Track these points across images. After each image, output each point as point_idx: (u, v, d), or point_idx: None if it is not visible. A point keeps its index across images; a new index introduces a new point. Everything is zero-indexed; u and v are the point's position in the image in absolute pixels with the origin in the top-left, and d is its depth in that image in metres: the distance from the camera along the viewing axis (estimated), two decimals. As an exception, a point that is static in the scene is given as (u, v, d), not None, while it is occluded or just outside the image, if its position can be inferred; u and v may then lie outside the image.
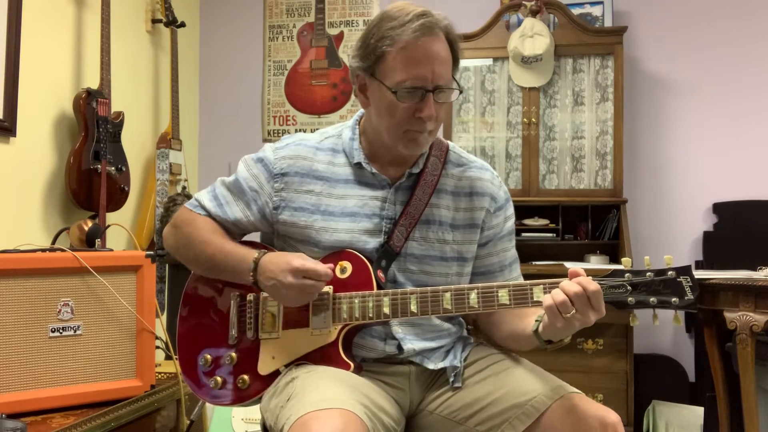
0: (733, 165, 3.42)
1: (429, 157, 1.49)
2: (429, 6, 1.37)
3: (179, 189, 3.26)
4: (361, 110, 1.52)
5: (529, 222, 3.32)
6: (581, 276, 1.24)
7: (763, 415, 2.47)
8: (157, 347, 2.02)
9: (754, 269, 2.46)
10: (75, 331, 1.77)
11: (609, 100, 3.27)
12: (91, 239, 2.11)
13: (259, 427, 1.50)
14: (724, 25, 3.46)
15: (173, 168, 3.25)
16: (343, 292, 1.40)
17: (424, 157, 1.48)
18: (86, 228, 2.12)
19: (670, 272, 1.25)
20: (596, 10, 3.47)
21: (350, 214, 1.44)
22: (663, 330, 3.46)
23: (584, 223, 3.34)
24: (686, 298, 1.23)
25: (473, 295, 1.33)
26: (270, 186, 1.47)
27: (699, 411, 2.90)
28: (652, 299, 1.25)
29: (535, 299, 1.29)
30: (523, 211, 3.30)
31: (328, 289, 1.41)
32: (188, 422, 2.29)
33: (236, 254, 1.44)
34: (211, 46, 3.99)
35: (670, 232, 3.47)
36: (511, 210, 1.56)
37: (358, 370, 1.39)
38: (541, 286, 1.29)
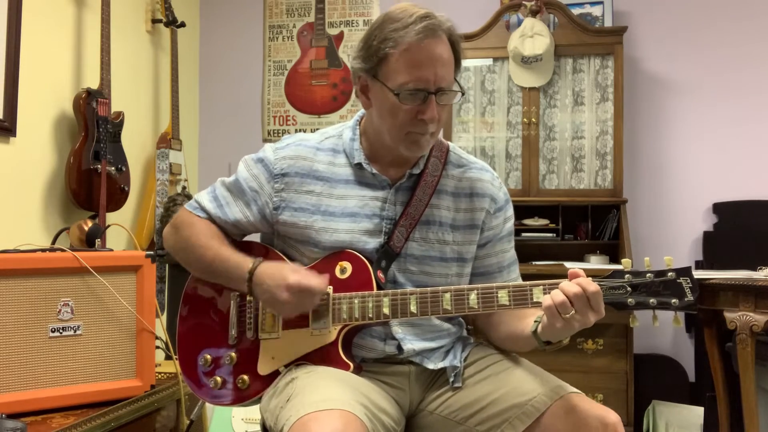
0: (733, 165, 3.42)
1: (429, 158, 1.49)
2: (429, 6, 1.37)
3: (179, 189, 3.26)
4: (362, 110, 1.52)
5: (529, 222, 3.32)
6: (581, 277, 1.24)
7: (763, 415, 2.47)
8: (157, 347, 2.02)
9: (754, 269, 2.46)
10: (75, 331, 1.77)
11: (609, 100, 3.27)
12: (91, 239, 2.11)
13: (258, 427, 1.50)
14: (724, 25, 3.46)
15: (173, 168, 3.25)
16: (343, 293, 1.40)
17: (425, 158, 1.48)
18: (86, 228, 2.12)
19: (669, 273, 1.25)
20: (596, 10, 3.47)
21: (350, 214, 1.44)
22: (663, 330, 3.46)
23: (584, 223, 3.34)
24: (686, 299, 1.23)
25: (473, 296, 1.33)
26: (270, 186, 1.47)
27: (699, 411, 2.90)
28: (651, 300, 1.25)
29: (534, 300, 1.30)
30: (523, 211, 3.30)
31: (328, 289, 1.41)
32: (188, 422, 2.29)
33: (233, 262, 1.43)
34: (211, 46, 3.99)
35: (670, 232, 3.47)
36: (510, 211, 1.56)
37: (358, 371, 1.40)
38: (541, 286, 1.29)
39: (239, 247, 1.53)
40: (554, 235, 3.30)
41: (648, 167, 3.52)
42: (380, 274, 1.41)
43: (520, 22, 3.34)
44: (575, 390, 1.33)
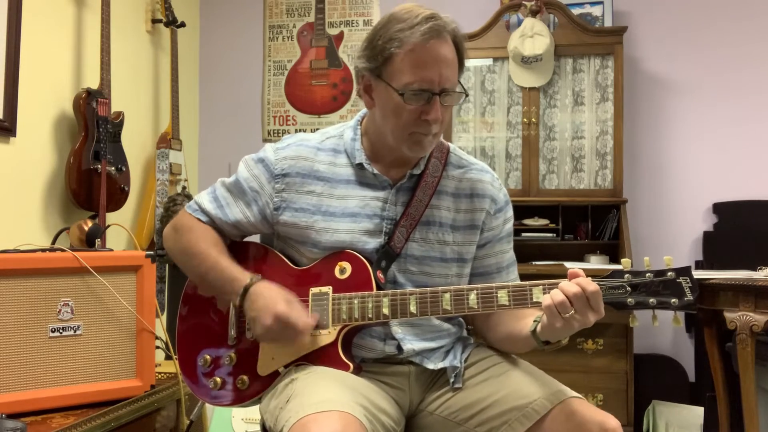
0: (733, 165, 3.42)
1: (430, 158, 1.49)
2: (430, 6, 1.38)
3: (179, 189, 3.26)
4: (363, 110, 1.52)
5: (529, 222, 3.32)
6: (580, 277, 1.24)
7: (763, 415, 2.47)
8: (157, 347, 2.02)
9: (754, 269, 2.46)
10: (75, 331, 1.77)
11: (609, 100, 3.27)
12: (91, 239, 2.11)
13: (258, 428, 1.50)
14: (724, 25, 3.46)
15: (173, 168, 3.25)
16: (343, 293, 1.40)
17: (425, 159, 1.48)
18: (86, 228, 2.12)
19: (669, 273, 1.25)
20: (596, 10, 3.47)
21: (351, 214, 1.44)
22: (663, 330, 3.46)
23: (584, 223, 3.34)
24: (685, 299, 1.23)
25: (472, 296, 1.33)
26: (271, 186, 1.47)
27: (699, 411, 2.90)
28: (651, 300, 1.25)
29: (534, 300, 1.30)
30: (523, 211, 3.29)
31: (328, 289, 1.41)
32: (188, 422, 2.30)
33: (228, 274, 1.43)
34: (211, 46, 3.99)
35: (670, 232, 3.47)
36: (510, 212, 1.56)
37: (358, 371, 1.40)
38: (540, 286, 1.29)
39: (239, 247, 1.53)
40: (554, 235, 3.30)
41: (648, 167, 3.52)
42: (380, 275, 1.41)
43: (520, 22, 3.34)
44: (576, 394, 1.33)
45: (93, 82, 2.82)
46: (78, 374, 1.78)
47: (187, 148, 3.62)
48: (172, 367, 2.11)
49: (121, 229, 2.73)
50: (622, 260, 1.32)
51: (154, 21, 3.42)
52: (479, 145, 3.41)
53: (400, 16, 1.36)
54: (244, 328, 1.47)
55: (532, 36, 3.24)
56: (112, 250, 2.12)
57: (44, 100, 2.67)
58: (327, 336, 1.40)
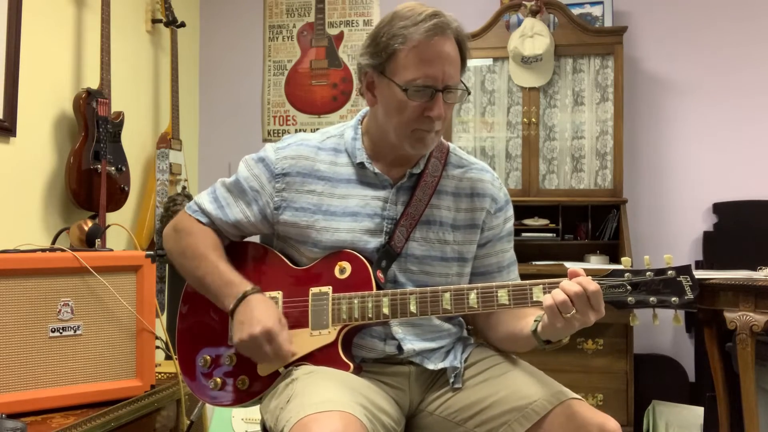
0: (733, 165, 3.42)
1: (430, 158, 1.49)
2: (430, 6, 1.38)
3: (179, 189, 3.26)
4: (364, 110, 1.52)
5: (528, 222, 3.32)
6: (581, 276, 1.24)
7: (763, 415, 2.47)
8: (157, 347, 2.01)
9: (754, 269, 2.46)
10: (75, 331, 1.77)
11: (609, 100, 3.27)
12: (91, 239, 2.11)
13: (258, 428, 1.49)
14: (725, 26, 3.46)
15: (173, 168, 3.25)
16: (343, 293, 1.40)
17: (425, 158, 1.48)
18: (86, 228, 2.12)
19: (669, 272, 1.25)
20: (596, 10, 3.47)
21: (352, 213, 1.44)
22: (663, 330, 3.46)
23: (584, 223, 3.34)
24: (686, 297, 1.23)
25: (473, 296, 1.33)
26: (271, 186, 1.47)
27: (699, 411, 2.90)
28: (651, 299, 1.25)
29: (534, 299, 1.30)
30: (523, 211, 3.29)
31: (328, 289, 1.41)
32: (188, 422, 2.29)
33: (226, 279, 1.43)
34: (211, 46, 3.99)
35: (670, 232, 3.47)
36: (510, 212, 1.56)
37: (358, 371, 1.39)
38: (541, 286, 1.29)
39: (239, 247, 1.53)
40: (554, 235, 3.30)
41: (648, 167, 3.52)
42: (380, 274, 1.41)
43: (520, 22, 3.34)
44: (576, 396, 1.33)
45: (93, 82, 2.82)
46: (78, 374, 1.78)
47: (187, 148, 3.62)
48: (172, 367, 2.10)
49: (121, 229, 2.73)
50: (623, 259, 1.32)
51: (154, 21, 3.42)
52: (479, 145, 3.41)
53: (404, 14, 1.37)
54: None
55: (532, 36, 3.24)
56: (112, 250, 2.12)
57: (44, 100, 2.67)
58: (327, 336, 1.40)
